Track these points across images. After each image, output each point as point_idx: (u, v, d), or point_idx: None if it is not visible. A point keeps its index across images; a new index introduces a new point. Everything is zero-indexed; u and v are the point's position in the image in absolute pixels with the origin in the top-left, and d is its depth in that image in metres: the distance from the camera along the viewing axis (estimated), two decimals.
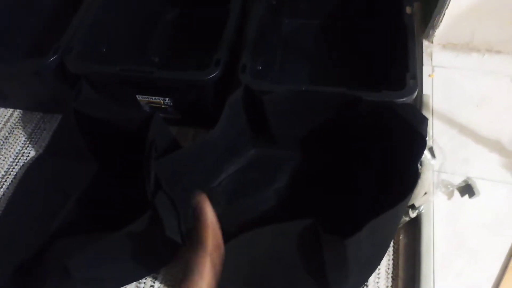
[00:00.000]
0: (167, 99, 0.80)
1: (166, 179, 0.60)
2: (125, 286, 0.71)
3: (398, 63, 0.74)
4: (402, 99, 0.67)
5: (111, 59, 0.86)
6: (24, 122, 0.95)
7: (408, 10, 0.81)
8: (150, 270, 0.71)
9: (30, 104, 0.96)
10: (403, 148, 0.60)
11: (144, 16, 1.00)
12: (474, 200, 0.73)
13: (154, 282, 0.71)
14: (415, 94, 0.68)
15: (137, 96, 0.81)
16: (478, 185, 0.74)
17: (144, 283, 0.71)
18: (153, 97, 0.81)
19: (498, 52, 0.94)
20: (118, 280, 0.71)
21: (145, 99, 0.81)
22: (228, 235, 0.71)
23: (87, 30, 0.83)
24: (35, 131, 0.93)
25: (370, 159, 0.70)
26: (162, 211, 0.56)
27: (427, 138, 0.60)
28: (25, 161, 0.88)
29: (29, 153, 0.90)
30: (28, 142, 0.92)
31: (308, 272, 0.59)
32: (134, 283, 0.71)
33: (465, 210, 0.73)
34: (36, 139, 0.92)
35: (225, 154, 0.75)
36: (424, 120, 0.60)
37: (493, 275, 0.66)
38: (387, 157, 0.65)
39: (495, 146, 0.80)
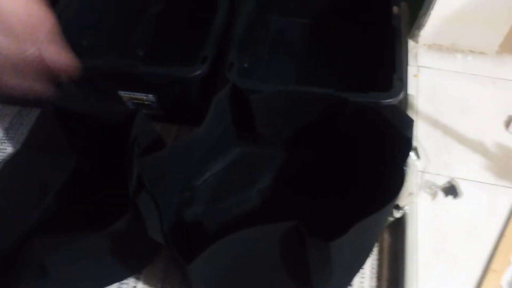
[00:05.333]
0: (150, 95, 0.78)
1: (149, 178, 0.58)
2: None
3: (385, 64, 0.74)
4: (388, 100, 0.67)
5: (93, 53, 0.84)
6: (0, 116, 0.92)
7: (395, 10, 0.81)
8: (133, 271, 0.70)
9: (6, 98, 0.92)
10: (389, 150, 0.60)
11: (128, 8, 0.97)
12: (457, 201, 0.74)
13: (136, 283, 0.70)
14: (401, 95, 0.68)
15: (119, 92, 0.79)
16: (461, 186, 0.75)
17: (127, 283, 0.70)
18: (136, 93, 0.79)
19: (482, 53, 0.95)
20: (99, 280, 0.69)
21: (127, 95, 0.79)
22: (210, 234, 0.71)
23: (68, 22, 0.80)
24: (12, 125, 0.90)
25: (355, 161, 0.70)
26: (144, 212, 0.54)
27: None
28: (2, 158, 0.85)
29: (6, 149, 0.86)
30: (4, 138, 0.88)
31: (291, 274, 0.58)
32: (116, 284, 0.70)
33: (448, 210, 0.74)
34: (13, 134, 0.88)
35: (210, 152, 0.74)
36: (410, 122, 0.60)
37: (475, 277, 0.67)
38: (373, 159, 0.65)
39: (478, 148, 0.81)
